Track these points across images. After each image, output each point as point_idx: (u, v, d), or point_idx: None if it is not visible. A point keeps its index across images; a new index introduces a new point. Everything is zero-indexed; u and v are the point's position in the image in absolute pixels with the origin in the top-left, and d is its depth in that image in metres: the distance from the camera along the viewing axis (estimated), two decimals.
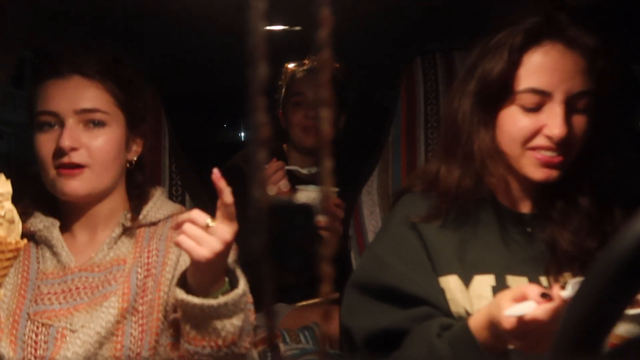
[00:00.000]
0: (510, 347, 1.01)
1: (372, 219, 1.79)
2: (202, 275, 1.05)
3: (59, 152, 1.17)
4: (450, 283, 1.14)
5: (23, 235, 1.24)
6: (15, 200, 1.29)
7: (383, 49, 2.14)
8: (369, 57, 2.28)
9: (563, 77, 1.08)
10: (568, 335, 0.58)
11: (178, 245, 1.01)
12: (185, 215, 1.02)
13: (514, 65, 1.11)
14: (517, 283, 1.13)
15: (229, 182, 0.99)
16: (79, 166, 1.18)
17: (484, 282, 1.14)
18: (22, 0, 1.42)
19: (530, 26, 1.11)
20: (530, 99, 1.10)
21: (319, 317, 1.73)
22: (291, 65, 2.16)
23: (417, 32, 1.84)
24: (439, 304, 1.13)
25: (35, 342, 1.12)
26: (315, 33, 0.31)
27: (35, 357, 1.12)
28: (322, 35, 0.31)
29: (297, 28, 1.85)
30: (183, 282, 1.08)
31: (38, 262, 1.22)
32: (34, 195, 1.28)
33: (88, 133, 1.20)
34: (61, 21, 1.59)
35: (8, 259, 0.90)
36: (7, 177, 0.92)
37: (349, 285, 1.23)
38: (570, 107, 1.09)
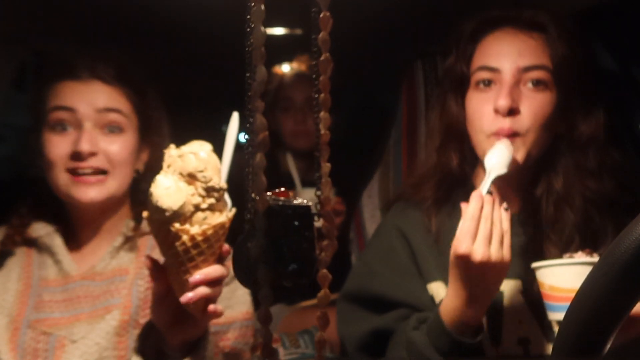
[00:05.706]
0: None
1: (373, 222, 1.78)
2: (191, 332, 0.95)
3: (76, 156, 1.13)
4: (438, 289, 1.15)
5: (25, 242, 1.23)
6: (17, 204, 1.28)
7: (383, 51, 2.14)
8: (370, 59, 2.28)
9: (510, 53, 1.12)
10: (569, 338, 0.57)
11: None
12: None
13: (470, 54, 1.18)
14: (507, 286, 1.13)
15: None
16: (98, 172, 1.15)
17: None
18: (23, 2, 1.42)
19: (484, 17, 1.18)
20: (481, 76, 1.14)
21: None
22: (279, 68, 2.19)
23: (418, 35, 1.84)
24: (427, 310, 1.12)
25: (35, 350, 1.10)
26: (314, 36, 0.31)
27: None
28: (321, 38, 0.31)
29: (298, 31, 1.85)
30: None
31: (40, 269, 1.20)
32: (36, 199, 1.25)
33: (105, 138, 1.17)
34: (59, 22, 1.59)
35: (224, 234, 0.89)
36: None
37: (341, 296, 1.24)
38: (522, 82, 1.11)
